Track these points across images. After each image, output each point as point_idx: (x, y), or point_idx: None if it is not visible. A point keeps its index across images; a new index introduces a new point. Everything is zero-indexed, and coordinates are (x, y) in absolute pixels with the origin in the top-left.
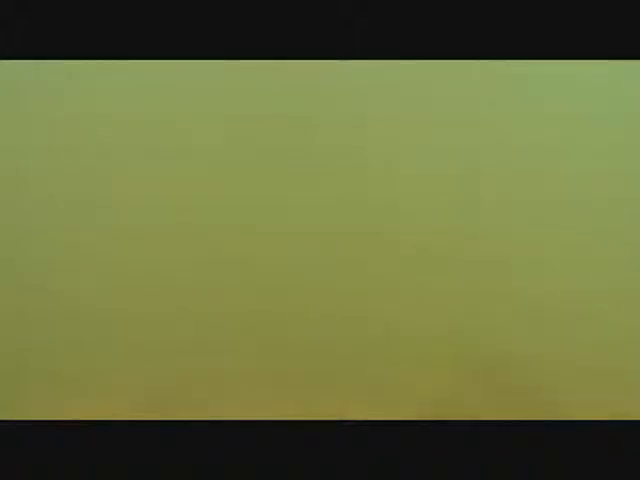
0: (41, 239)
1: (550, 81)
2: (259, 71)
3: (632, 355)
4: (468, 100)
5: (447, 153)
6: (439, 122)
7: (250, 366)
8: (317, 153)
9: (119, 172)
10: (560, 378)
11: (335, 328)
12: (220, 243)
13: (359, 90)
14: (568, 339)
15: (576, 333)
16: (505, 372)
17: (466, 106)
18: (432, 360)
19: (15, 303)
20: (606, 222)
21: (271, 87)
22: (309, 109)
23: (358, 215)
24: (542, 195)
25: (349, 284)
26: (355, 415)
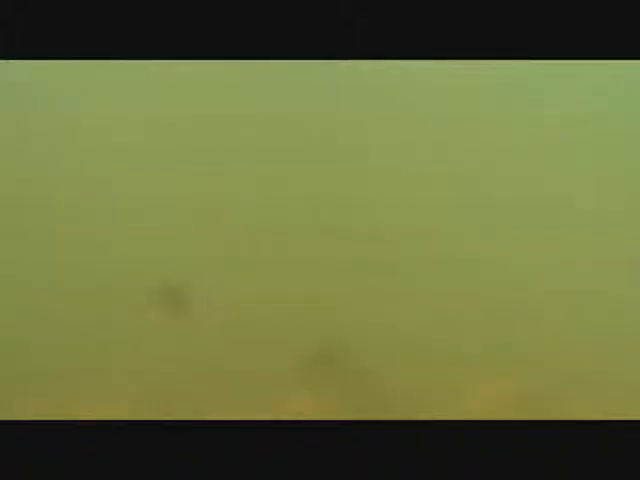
0: (40, 239)
1: (550, 81)
2: (259, 71)
3: (631, 357)
4: (468, 100)
5: (447, 153)
6: (439, 122)
7: (251, 367)
8: (317, 152)
9: (118, 171)
10: (561, 379)
11: (332, 328)
12: (220, 245)
13: (359, 90)
14: (568, 340)
15: (576, 334)
16: (505, 374)
17: (466, 106)
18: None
19: (15, 304)
20: (606, 222)
21: (271, 87)
22: (309, 109)
23: (358, 213)
24: (542, 194)
25: (348, 282)
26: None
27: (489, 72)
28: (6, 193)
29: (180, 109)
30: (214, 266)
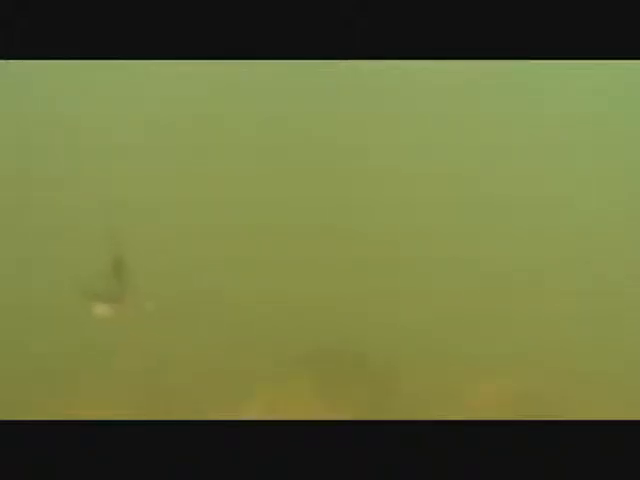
0: (41, 238)
1: (550, 81)
2: (259, 71)
3: (631, 356)
4: (468, 100)
5: (447, 153)
6: (439, 122)
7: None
8: (317, 152)
9: (118, 170)
10: (562, 378)
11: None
12: (220, 245)
13: (359, 90)
14: (570, 339)
15: (576, 334)
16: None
17: (466, 106)
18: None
19: (15, 304)
20: (606, 222)
21: (272, 87)
22: (309, 109)
23: (358, 213)
24: (541, 194)
25: (347, 283)
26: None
27: (489, 72)
28: (4, 191)
29: (180, 109)
30: (214, 265)
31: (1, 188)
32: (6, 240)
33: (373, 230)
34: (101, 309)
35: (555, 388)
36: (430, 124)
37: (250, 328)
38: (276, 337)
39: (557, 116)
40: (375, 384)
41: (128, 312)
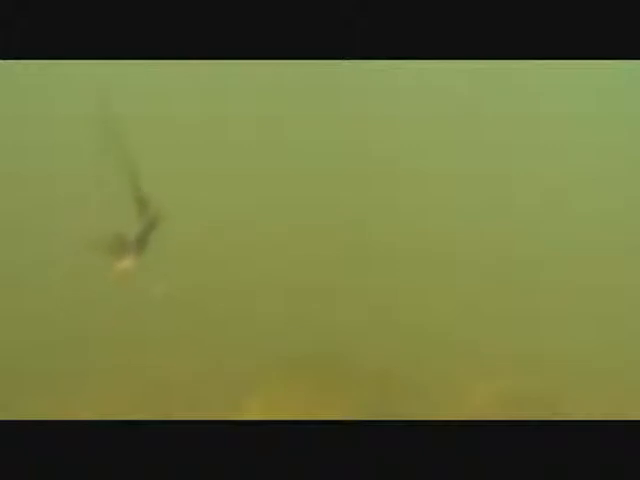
0: (38, 240)
1: (550, 81)
2: (259, 71)
3: (633, 357)
4: (468, 100)
5: (446, 153)
6: (439, 122)
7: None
8: (317, 152)
9: (116, 170)
10: (562, 378)
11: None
12: (221, 245)
13: (359, 90)
14: (570, 338)
15: (578, 332)
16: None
17: (466, 106)
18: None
19: (14, 304)
20: (606, 222)
21: (271, 87)
22: (309, 109)
23: (359, 212)
24: (541, 194)
25: (346, 281)
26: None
27: (489, 72)
28: (4, 192)
29: (181, 109)
30: (211, 265)
31: (1, 188)
32: (3, 241)
33: (373, 230)
34: (124, 263)
35: (555, 388)
36: (430, 124)
37: (250, 328)
38: (276, 336)
39: (557, 116)
40: (375, 384)
41: (126, 308)
